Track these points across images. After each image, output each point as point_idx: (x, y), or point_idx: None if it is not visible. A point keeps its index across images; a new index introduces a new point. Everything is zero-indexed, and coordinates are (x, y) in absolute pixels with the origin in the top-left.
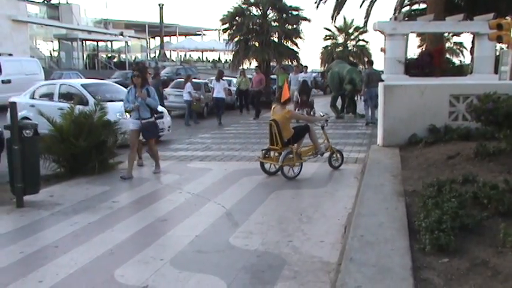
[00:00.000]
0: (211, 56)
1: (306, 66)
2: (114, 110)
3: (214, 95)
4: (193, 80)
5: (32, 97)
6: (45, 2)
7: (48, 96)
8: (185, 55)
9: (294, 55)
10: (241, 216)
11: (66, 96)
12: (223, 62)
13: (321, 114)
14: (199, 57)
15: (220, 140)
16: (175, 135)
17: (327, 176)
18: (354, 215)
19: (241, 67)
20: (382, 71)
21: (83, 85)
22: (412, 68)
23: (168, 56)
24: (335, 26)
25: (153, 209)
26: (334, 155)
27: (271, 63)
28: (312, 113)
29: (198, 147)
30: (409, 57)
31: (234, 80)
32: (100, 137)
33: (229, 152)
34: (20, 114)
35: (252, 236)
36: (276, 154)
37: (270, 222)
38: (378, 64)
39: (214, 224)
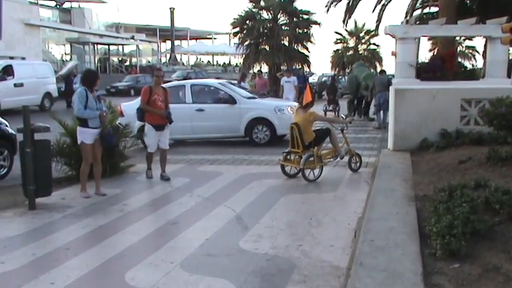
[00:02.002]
0: (222, 59)
1: (289, 70)
2: (269, 106)
3: None
4: None
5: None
6: (58, 6)
7: (177, 98)
8: (196, 59)
9: (304, 59)
10: (251, 219)
11: (202, 97)
12: (233, 65)
13: (343, 116)
14: (209, 61)
15: (230, 143)
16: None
17: (337, 180)
18: (364, 219)
19: (251, 71)
20: (393, 75)
21: (221, 84)
22: (424, 72)
23: (178, 59)
24: (346, 30)
25: (163, 212)
26: (353, 158)
27: (281, 67)
28: (337, 108)
29: (208, 151)
30: (420, 61)
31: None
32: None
33: (240, 155)
34: (257, 112)
35: (262, 240)
36: (297, 157)
37: (279, 226)
38: (389, 68)
39: (224, 228)
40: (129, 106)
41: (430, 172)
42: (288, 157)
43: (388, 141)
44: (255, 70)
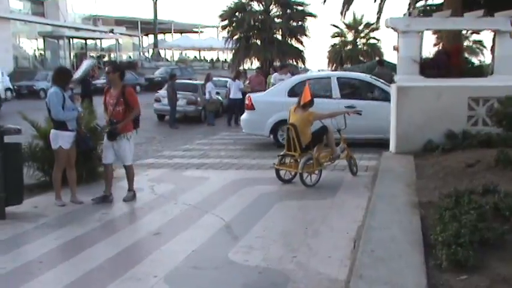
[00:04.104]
0: (209, 55)
1: (285, 66)
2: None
3: (231, 96)
4: (188, 81)
5: (292, 94)
6: None
7: (321, 91)
8: (181, 54)
9: (298, 54)
10: (241, 229)
11: (351, 92)
12: (222, 61)
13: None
14: (196, 57)
15: (218, 146)
16: (170, 141)
17: (335, 185)
18: (364, 228)
19: (241, 67)
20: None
21: (373, 78)
22: (428, 68)
23: (162, 55)
24: (344, 23)
25: (146, 222)
26: (353, 160)
27: (274, 63)
28: None
29: (195, 154)
30: (424, 57)
31: (229, 81)
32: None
33: (229, 159)
34: (279, 115)
35: (253, 251)
36: (292, 160)
37: (272, 236)
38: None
39: (212, 238)
40: None
41: (435, 176)
42: (283, 161)
43: (390, 143)
44: (246, 67)
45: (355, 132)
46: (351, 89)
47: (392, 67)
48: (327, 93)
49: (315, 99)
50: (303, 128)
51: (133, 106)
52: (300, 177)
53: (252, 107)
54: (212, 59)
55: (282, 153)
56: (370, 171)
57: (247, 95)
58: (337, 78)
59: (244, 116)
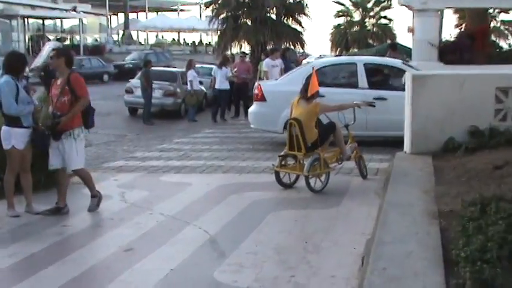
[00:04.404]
0: (191, 37)
1: (276, 50)
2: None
3: (216, 86)
4: (166, 69)
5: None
6: None
7: (345, 80)
8: (157, 36)
9: (296, 36)
10: (229, 244)
11: (380, 81)
12: (205, 44)
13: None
14: (174, 39)
15: (202, 146)
16: (143, 140)
17: (339, 191)
18: (374, 242)
19: (229, 52)
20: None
21: (406, 64)
22: (448, 53)
23: (134, 37)
24: (350, 0)
25: (115, 236)
26: (362, 161)
27: (267, 47)
28: None
29: (173, 156)
30: (444, 40)
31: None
32: None
33: (214, 161)
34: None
35: (243, 270)
36: (292, 162)
37: (266, 252)
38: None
39: (194, 255)
40: None
41: (457, 181)
42: (284, 162)
43: (405, 142)
44: (234, 51)
45: (386, 128)
46: (381, 77)
47: (407, 52)
48: (352, 82)
49: (336, 90)
50: (308, 123)
51: (80, 95)
52: (306, 181)
53: (262, 98)
54: (194, 42)
55: (282, 153)
56: (381, 174)
57: (256, 84)
58: (364, 64)
59: (253, 109)
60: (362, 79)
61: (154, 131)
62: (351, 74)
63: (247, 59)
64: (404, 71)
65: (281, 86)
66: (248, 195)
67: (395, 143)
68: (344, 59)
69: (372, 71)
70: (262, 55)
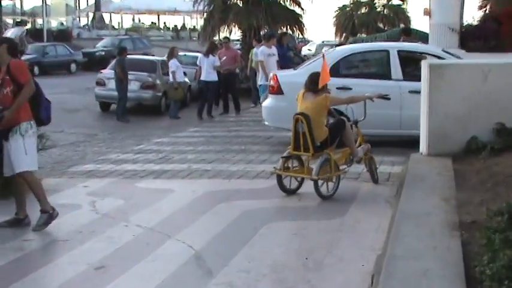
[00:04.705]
0: (172, 21)
1: (272, 36)
2: None
3: (202, 78)
4: (144, 57)
5: (336, 73)
6: None
7: (375, 69)
8: (133, 20)
9: (295, 20)
10: (217, 260)
11: (417, 71)
12: (189, 29)
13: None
14: (154, 23)
15: (184, 146)
16: (117, 140)
17: (345, 199)
18: (385, 258)
19: (216, 37)
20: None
21: (445, 51)
22: (471, 39)
23: (107, 20)
24: None
25: (85, 251)
26: (373, 164)
27: (261, 32)
28: None
29: (152, 158)
30: (466, 24)
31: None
32: None
33: (199, 164)
34: None
35: None
36: (297, 165)
37: (260, 270)
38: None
39: (176, 273)
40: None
41: (481, 187)
42: (287, 165)
43: (420, 142)
44: (222, 36)
45: (418, 127)
46: (417, 67)
47: (423, 37)
48: (383, 73)
49: (365, 81)
50: (317, 119)
51: (24, 82)
52: (315, 186)
53: (278, 91)
54: (176, 27)
55: (285, 153)
56: (393, 180)
57: (271, 74)
58: (398, 51)
59: (267, 103)
60: (395, 69)
61: (130, 129)
62: (382, 62)
63: (239, 45)
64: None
65: (301, 76)
66: (239, 204)
67: (410, 143)
68: (374, 45)
69: (407, 59)
70: (254, 41)
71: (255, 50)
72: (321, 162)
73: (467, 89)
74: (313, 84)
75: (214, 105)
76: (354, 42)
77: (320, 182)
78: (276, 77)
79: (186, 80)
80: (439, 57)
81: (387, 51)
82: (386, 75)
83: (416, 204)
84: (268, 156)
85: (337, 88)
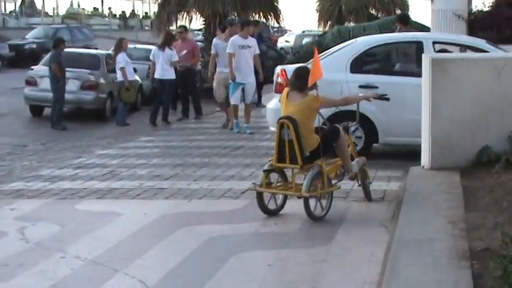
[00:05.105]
0: (119, 6)
1: (248, 23)
2: None
3: (157, 75)
4: (84, 51)
5: (358, 69)
6: None
7: (402, 65)
8: (71, 5)
9: (269, 6)
10: None
11: None
12: (140, 17)
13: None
14: (96, 9)
15: (135, 159)
16: (52, 152)
17: (331, 222)
18: None
19: (173, 27)
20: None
21: (489, 43)
22: (482, 27)
23: (39, 6)
24: None
25: None
26: (367, 178)
27: (227, 19)
28: None
29: (96, 174)
30: (474, 10)
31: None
32: None
33: (153, 181)
34: None
35: None
36: (279, 182)
37: None
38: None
39: None
40: None
41: (494, 207)
42: (269, 180)
43: (422, 153)
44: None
45: None
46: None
47: (419, 29)
48: (415, 69)
49: (393, 79)
50: (306, 123)
51: None
52: (305, 205)
53: None
54: (124, 14)
55: (267, 166)
56: (389, 199)
57: (278, 68)
58: (434, 42)
59: (273, 105)
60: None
61: (68, 139)
62: (414, 57)
63: (200, 37)
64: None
65: None
66: (202, 230)
67: (409, 154)
68: (405, 36)
69: (444, 53)
70: (218, 31)
71: (214, 40)
72: (311, 176)
73: (477, 88)
74: (299, 81)
75: (171, 109)
76: (338, 34)
77: (313, 200)
78: (285, 71)
79: (137, 78)
80: (482, 51)
81: (420, 43)
82: (418, 71)
83: (417, 229)
84: (237, 171)
85: (360, 86)
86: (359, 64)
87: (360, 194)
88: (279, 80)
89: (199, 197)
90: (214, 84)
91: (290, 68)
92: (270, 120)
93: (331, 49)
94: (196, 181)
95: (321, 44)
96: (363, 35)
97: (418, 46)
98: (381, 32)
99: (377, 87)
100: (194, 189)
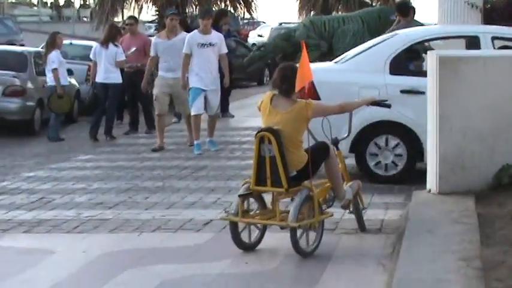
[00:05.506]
0: None
1: (208, 14)
2: None
3: (98, 79)
4: (7, 48)
5: (398, 71)
6: None
7: None
8: None
9: None
10: None
11: None
12: (77, 8)
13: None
14: None
15: (71, 183)
16: None
17: (316, 258)
18: None
19: (118, 19)
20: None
21: None
22: (500, 19)
23: None
24: None
25: None
26: (361, 203)
27: (186, 11)
28: None
29: (21, 202)
30: None
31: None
32: None
33: (94, 210)
34: (371, 112)
35: None
36: (258, 211)
37: None
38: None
39: None
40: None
41: None
42: (247, 206)
43: (428, 174)
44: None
45: None
46: None
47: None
48: None
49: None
50: (294, 136)
51: None
52: (292, 238)
53: (312, 95)
54: (57, 2)
55: (243, 190)
56: (387, 230)
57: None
58: (493, 38)
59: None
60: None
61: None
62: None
63: (153, 30)
64: None
65: (346, 73)
66: (155, 271)
67: (411, 174)
68: (458, 29)
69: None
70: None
71: (154, 39)
72: (299, 202)
73: (496, 93)
74: (287, 83)
75: (116, 120)
76: (311, 26)
77: (299, 231)
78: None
79: (73, 81)
80: None
81: (476, 38)
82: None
83: (422, 268)
84: (199, 197)
85: (401, 91)
86: (400, 64)
87: (352, 224)
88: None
89: (151, 229)
90: (155, 91)
91: (318, 69)
92: None
93: (358, 47)
94: (148, 210)
95: (290, 37)
96: (341, 28)
97: (473, 42)
98: (363, 25)
99: (423, 93)
100: (145, 220)
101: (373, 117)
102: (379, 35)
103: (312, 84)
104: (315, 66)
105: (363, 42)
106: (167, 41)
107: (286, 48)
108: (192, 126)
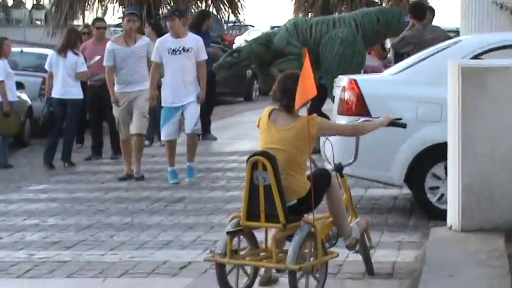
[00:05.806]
0: None
1: (180, 11)
2: None
3: (55, 94)
4: None
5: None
6: None
7: None
8: None
9: None
10: None
11: None
12: (30, 7)
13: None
14: None
15: (21, 219)
16: None
17: None
18: None
19: (78, 22)
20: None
21: None
22: None
23: None
24: None
25: None
26: (369, 242)
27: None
28: None
29: None
30: None
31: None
32: None
33: (49, 251)
34: (431, 133)
35: None
36: (248, 249)
37: None
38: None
39: None
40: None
41: None
42: (237, 246)
43: (449, 208)
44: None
45: None
46: None
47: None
48: None
49: None
50: (296, 158)
51: None
52: (291, 282)
53: (360, 109)
54: (5, 2)
55: (231, 226)
56: (401, 275)
57: (344, 79)
58: None
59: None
60: None
61: None
62: None
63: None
64: None
65: (402, 85)
66: None
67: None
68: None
69: None
70: (146, 27)
71: (109, 45)
72: (300, 240)
73: None
74: (288, 97)
75: (75, 144)
76: (294, 29)
77: (298, 274)
78: (356, 83)
79: (24, 97)
80: None
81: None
82: None
83: None
84: (175, 235)
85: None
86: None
87: (359, 267)
88: (347, 95)
89: (118, 273)
90: (115, 113)
91: (363, 79)
92: (328, 156)
93: (418, 54)
94: (113, 250)
95: (269, 43)
96: (329, 34)
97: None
98: (357, 29)
99: None
100: (111, 263)
101: (433, 138)
102: (376, 42)
103: (361, 97)
104: (363, 76)
105: (354, 50)
106: (125, 48)
107: (263, 55)
108: (165, 152)
